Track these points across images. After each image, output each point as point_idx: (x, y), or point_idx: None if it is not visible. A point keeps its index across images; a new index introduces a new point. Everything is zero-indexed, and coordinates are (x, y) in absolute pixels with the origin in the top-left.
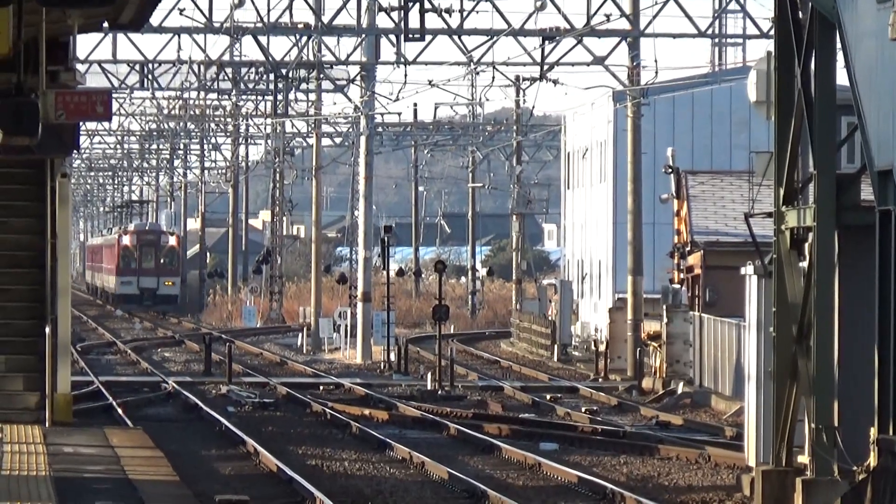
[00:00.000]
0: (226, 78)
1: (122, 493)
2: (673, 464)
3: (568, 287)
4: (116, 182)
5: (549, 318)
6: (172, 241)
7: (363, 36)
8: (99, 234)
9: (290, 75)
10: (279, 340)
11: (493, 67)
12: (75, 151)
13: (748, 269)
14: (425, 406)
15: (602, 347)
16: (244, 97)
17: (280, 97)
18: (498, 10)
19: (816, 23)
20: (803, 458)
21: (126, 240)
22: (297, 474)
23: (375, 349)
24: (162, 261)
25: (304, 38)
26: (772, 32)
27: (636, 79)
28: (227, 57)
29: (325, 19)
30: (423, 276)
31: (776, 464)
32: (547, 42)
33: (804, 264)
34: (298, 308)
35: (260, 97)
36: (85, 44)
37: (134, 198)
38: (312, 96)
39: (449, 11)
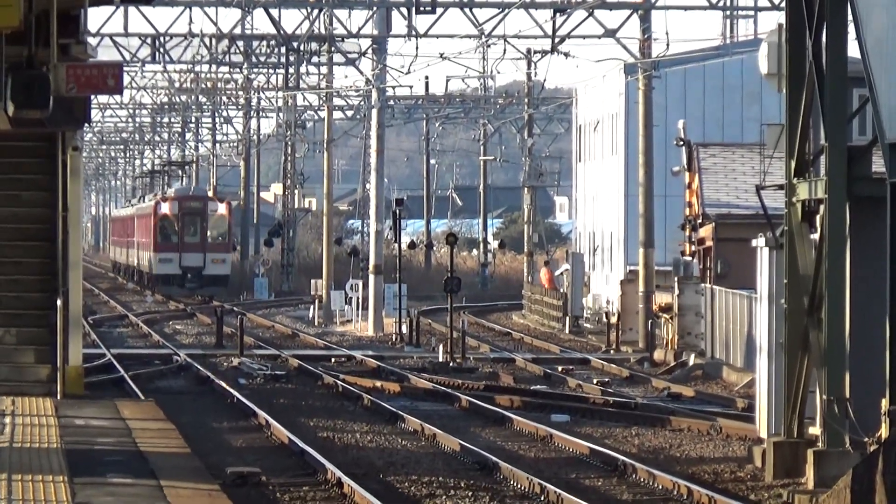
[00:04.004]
0: (237, 51)
1: (133, 465)
2: (684, 435)
3: (579, 259)
4: (128, 155)
5: (560, 289)
6: (222, 208)
7: (374, 9)
8: (127, 203)
9: (302, 48)
10: (291, 313)
11: (505, 40)
12: (86, 125)
13: (760, 242)
14: (437, 378)
15: (613, 319)
16: (255, 70)
17: (291, 70)
18: None
19: None
20: (815, 430)
21: (165, 208)
22: (308, 446)
23: (387, 321)
24: (209, 233)
25: (316, 11)
26: (783, 4)
27: (647, 51)
28: (238, 30)
29: None
30: (434, 248)
31: (787, 435)
32: (558, 14)
33: (815, 236)
34: (310, 280)
35: (271, 70)
36: (96, 17)
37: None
38: (324, 69)
39: None
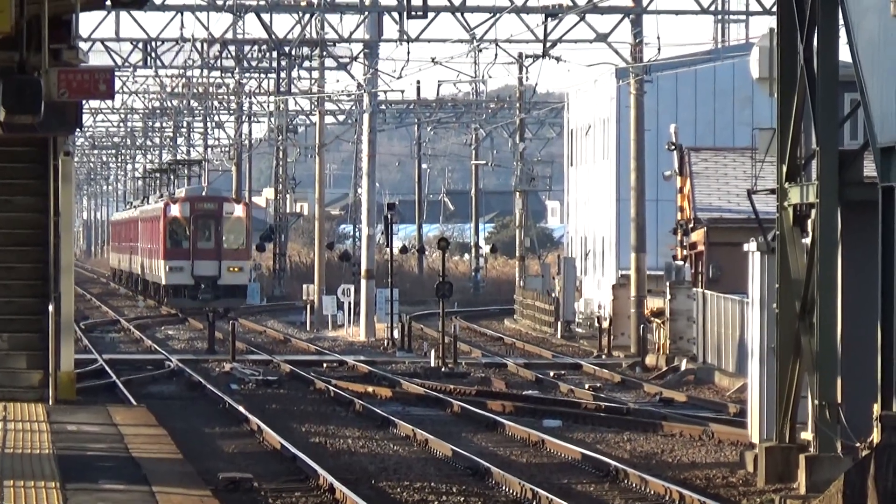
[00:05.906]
0: (229, 56)
1: (125, 471)
2: (676, 440)
3: (571, 264)
4: (120, 160)
5: (553, 294)
6: (239, 210)
7: (366, 13)
8: (128, 205)
9: (293, 53)
10: (283, 318)
11: (496, 44)
12: (78, 129)
13: (751, 246)
14: (429, 383)
15: (605, 324)
16: (247, 75)
17: (283, 75)
18: None
19: None
20: (806, 435)
21: (175, 210)
22: (300, 452)
23: (379, 326)
24: (225, 238)
25: (307, 16)
26: (775, 9)
27: (639, 56)
28: (230, 35)
29: None
30: (426, 253)
31: (779, 440)
32: (550, 19)
33: (807, 240)
34: (302, 285)
35: (263, 75)
36: (88, 22)
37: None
38: (315, 74)
39: None
